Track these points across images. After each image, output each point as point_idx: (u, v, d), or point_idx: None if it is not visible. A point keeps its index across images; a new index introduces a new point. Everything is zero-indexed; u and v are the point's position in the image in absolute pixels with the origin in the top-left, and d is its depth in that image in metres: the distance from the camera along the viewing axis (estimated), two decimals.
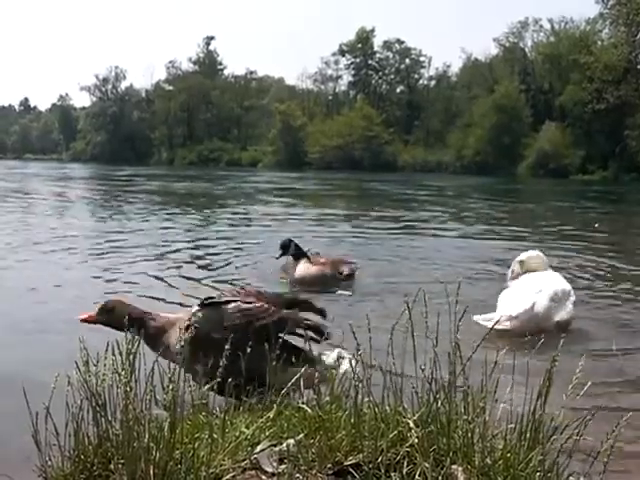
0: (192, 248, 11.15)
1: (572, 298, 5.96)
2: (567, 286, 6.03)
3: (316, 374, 2.87)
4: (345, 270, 8.33)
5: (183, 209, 19.52)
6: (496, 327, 5.22)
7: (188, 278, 8.27)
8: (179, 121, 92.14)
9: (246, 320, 3.55)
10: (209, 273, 8.81)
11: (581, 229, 15.24)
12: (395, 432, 2.43)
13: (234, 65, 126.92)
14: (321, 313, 3.88)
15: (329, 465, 2.44)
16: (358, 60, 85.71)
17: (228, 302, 3.65)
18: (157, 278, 8.14)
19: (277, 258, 8.37)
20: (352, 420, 2.51)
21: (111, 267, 8.83)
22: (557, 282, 6.03)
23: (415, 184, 37.94)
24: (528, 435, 2.40)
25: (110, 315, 3.72)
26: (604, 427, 2.34)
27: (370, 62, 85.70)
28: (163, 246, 11.23)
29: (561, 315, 5.83)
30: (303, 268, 8.14)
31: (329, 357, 3.57)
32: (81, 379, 2.51)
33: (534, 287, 5.87)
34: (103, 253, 10.13)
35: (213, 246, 11.49)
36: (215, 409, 2.90)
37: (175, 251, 10.68)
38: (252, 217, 17.39)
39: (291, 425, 2.66)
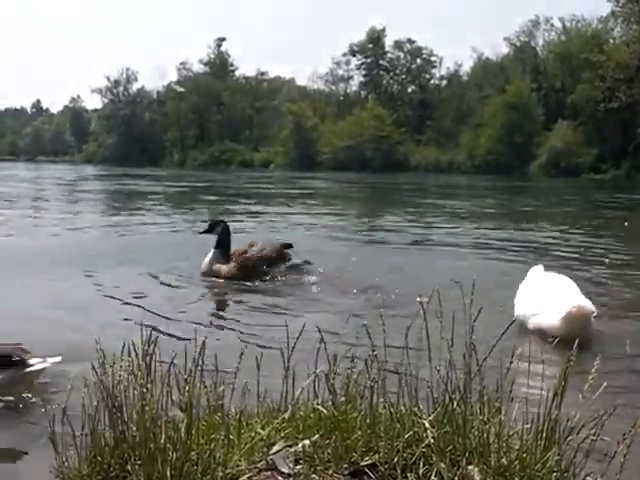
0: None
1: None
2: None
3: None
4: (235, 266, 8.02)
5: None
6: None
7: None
8: (191, 122, 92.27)
9: None
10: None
11: (609, 228, 15.09)
12: (411, 432, 2.43)
13: (245, 66, 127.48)
14: None
15: (345, 465, 2.44)
16: (369, 60, 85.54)
17: None
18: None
19: (199, 233, 8.61)
20: (368, 420, 2.51)
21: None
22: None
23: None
24: (544, 435, 2.39)
25: None
26: (621, 427, 2.32)
27: (381, 62, 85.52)
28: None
29: None
30: (207, 263, 8.14)
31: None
32: (97, 380, 2.53)
33: (568, 289, 5.77)
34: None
35: None
36: (230, 410, 2.91)
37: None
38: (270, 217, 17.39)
39: (307, 426, 2.66)
